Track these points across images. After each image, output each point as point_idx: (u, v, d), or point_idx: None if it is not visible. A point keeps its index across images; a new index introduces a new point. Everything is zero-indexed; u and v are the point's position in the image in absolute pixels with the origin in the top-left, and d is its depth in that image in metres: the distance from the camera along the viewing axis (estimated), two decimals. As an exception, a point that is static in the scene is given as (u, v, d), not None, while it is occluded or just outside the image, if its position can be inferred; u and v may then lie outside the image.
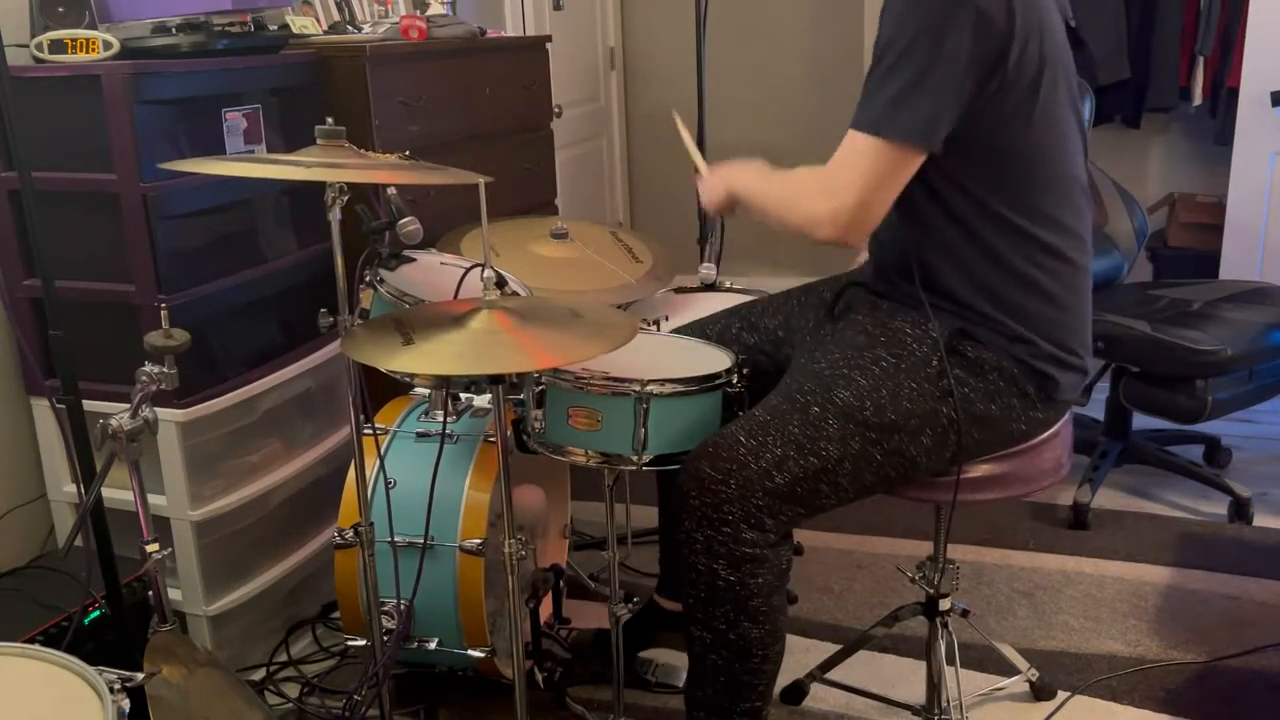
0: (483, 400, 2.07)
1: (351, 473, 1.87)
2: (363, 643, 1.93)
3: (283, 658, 2.22)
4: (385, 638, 1.83)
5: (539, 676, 1.99)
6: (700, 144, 3.10)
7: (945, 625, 1.84)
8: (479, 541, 1.87)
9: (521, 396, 1.73)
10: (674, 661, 2.11)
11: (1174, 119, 3.83)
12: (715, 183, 1.72)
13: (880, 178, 1.45)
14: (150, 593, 1.57)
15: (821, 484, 1.52)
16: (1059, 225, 1.54)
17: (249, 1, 2.15)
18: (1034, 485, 1.66)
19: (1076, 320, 1.61)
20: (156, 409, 1.55)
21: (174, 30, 2.03)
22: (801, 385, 1.58)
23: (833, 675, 2.04)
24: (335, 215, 1.58)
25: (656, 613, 2.14)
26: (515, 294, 1.89)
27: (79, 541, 1.68)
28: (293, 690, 2.12)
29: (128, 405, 1.51)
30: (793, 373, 1.67)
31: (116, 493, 1.81)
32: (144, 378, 1.54)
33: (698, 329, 1.91)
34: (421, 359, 1.41)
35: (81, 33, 1.96)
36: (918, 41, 1.40)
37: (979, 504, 1.65)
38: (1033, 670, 2.04)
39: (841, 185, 1.46)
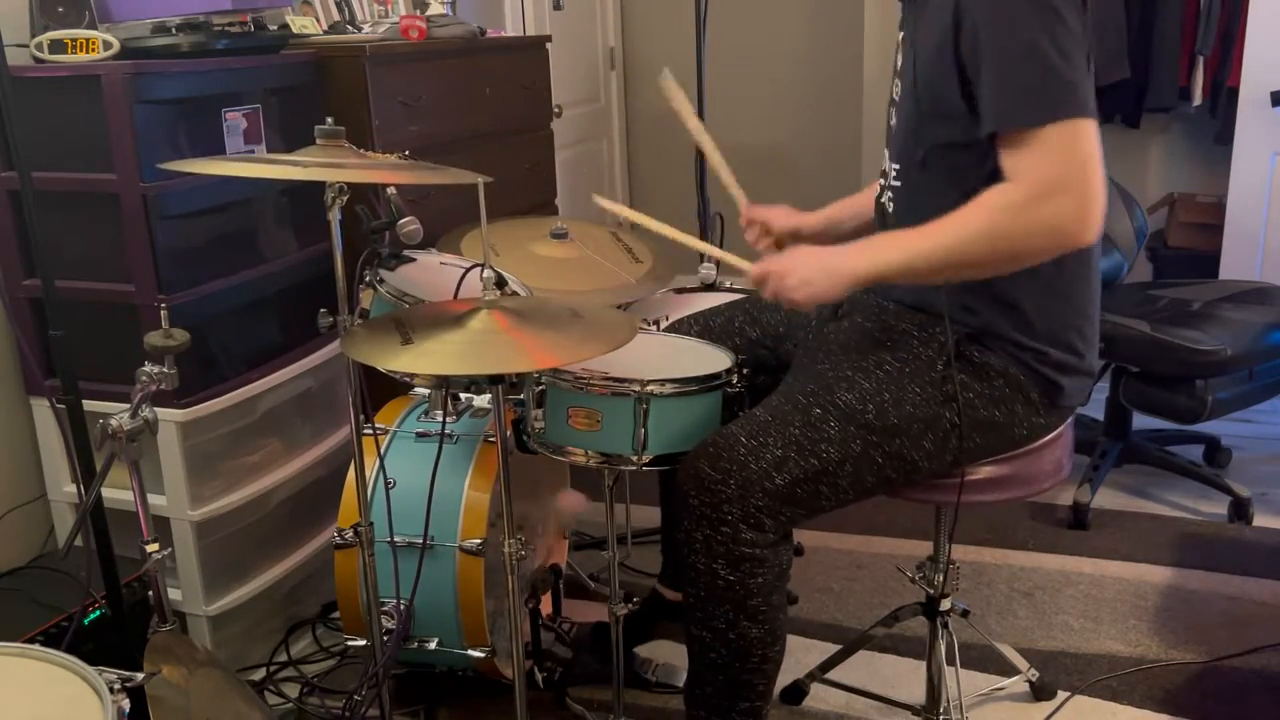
0: (482, 400, 2.07)
1: (351, 473, 1.87)
2: (363, 643, 1.93)
3: (283, 658, 2.22)
4: (385, 638, 1.84)
5: (539, 676, 1.99)
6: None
7: (945, 625, 1.84)
8: (479, 541, 1.87)
9: (521, 396, 1.73)
10: (674, 661, 2.11)
11: (1174, 119, 3.82)
12: (811, 277, 1.48)
13: (1094, 157, 1.36)
14: (150, 593, 1.57)
15: (821, 485, 1.52)
16: None
17: (249, 1, 2.15)
18: (1034, 487, 1.66)
19: (1089, 324, 1.60)
20: (156, 409, 1.55)
21: (174, 30, 2.03)
22: (803, 386, 1.58)
23: (833, 675, 2.04)
24: (335, 215, 1.58)
25: (658, 602, 2.14)
26: (515, 294, 1.89)
27: (79, 541, 1.68)
28: (293, 690, 2.12)
29: (128, 405, 1.51)
30: (795, 372, 1.66)
31: (116, 493, 1.81)
32: (144, 378, 1.54)
33: (700, 319, 1.91)
34: (421, 359, 1.41)
35: (81, 33, 1.96)
36: (1035, 17, 1.36)
37: (979, 505, 1.65)
38: (1033, 670, 2.04)
39: (1065, 178, 1.35)
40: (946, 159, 1.51)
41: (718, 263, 2.53)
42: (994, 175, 1.44)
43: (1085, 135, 1.36)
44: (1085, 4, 1.40)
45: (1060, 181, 1.35)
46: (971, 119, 1.45)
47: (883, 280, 1.47)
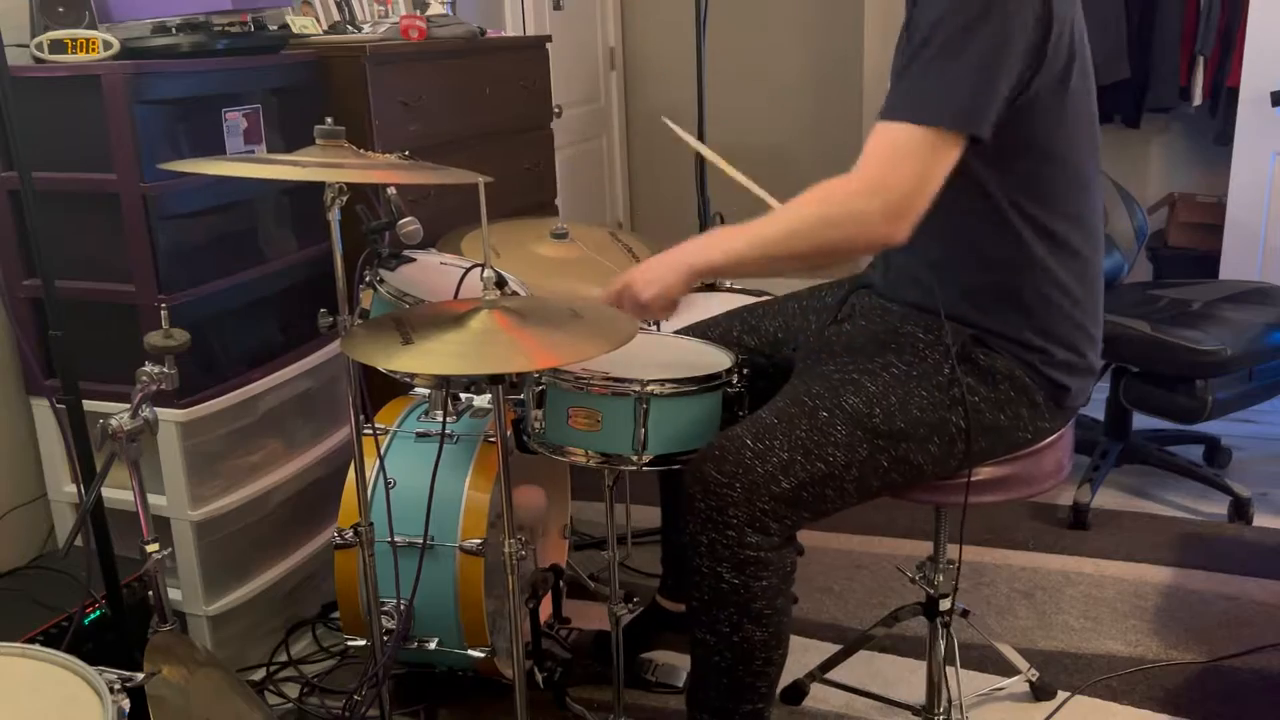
0: (483, 400, 2.07)
1: (351, 473, 1.87)
2: (363, 643, 1.93)
3: (283, 658, 2.22)
4: (385, 638, 1.84)
5: (539, 676, 1.99)
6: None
7: (945, 625, 1.84)
8: (479, 541, 1.87)
9: (521, 396, 1.73)
10: (674, 661, 2.11)
11: (1174, 119, 3.83)
12: (654, 276, 1.52)
13: (928, 167, 1.36)
14: (150, 593, 1.57)
15: (827, 489, 1.51)
16: (1080, 225, 1.53)
17: (249, 1, 2.15)
18: (1035, 488, 1.66)
19: (1092, 323, 1.60)
20: (156, 409, 1.55)
21: (174, 30, 2.03)
22: (809, 389, 1.57)
23: (833, 675, 2.04)
24: (335, 215, 1.58)
25: (658, 613, 2.14)
26: (515, 294, 1.89)
27: (79, 541, 1.68)
28: (293, 690, 2.12)
29: (128, 405, 1.51)
30: (799, 376, 1.66)
31: (116, 493, 1.81)
32: (144, 378, 1.54)
33: (698, 331, 1.91)
34: (421, 359, 1.41)
35: (81, 33, 1.96)
36: (969, 23, 1.34)
37: (980, 506, 1.65)
38: (1033, 670, 2.04)
39: (888, 181, 1.37)
40: None
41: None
42: (981, 171, 1.45)
43: (936, 148, 1.36)
44: (1051, 7, 1.37)
45: (888, 182, 1.37)
46: None
47: (724, 271, 1.52)
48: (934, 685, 1.86)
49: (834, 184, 1.42)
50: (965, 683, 2.07)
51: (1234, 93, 3.30)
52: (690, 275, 1.52)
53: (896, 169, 1.37)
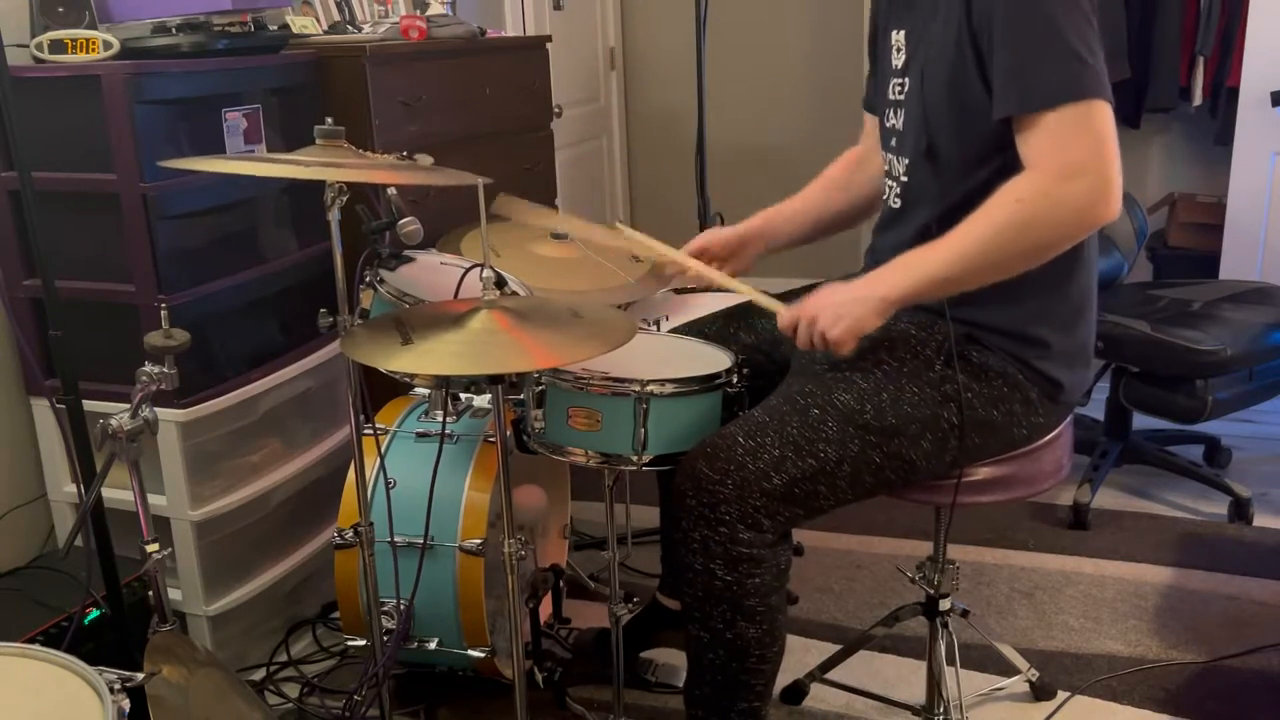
0: (483, 400, 2.07)
1: (351, 473, 1.87)
2: (363, 643, 1.93)
3: (283, 658, 2.22)
4: (385, 638, 1.84)
5: (539, 676, 1.99)
6: (700, 145, 3.08)
7: (945, 625, 1.84)
8: (479, 541, 1.87)
9: (521, 396, 1.73)
10: (674, 661, 2.11)
11: (1174, 119, 3.82)
12: (842, 310, 1.47)
13: (1110, 137, 1.39)
14: (150, 593, 1.57)
15: (819, 486, 1.51)
16: None
17: (249, 1, 2.15)
18: (1034, 487, 1.66)
19: (1087, 314, 1.60)
20: (156, 409, 1.55)
21: (174, 30, 2.03)
22: (801, 386, 1.57)
23: (833, 675, 2.04)
24: (335, 215, 1.58)
25: (659, 611, 2.14)
26: (515, 294, 1.89)
27: (79, 541, 1.68)
28: (293, 690, 2.12)
29: (128, 405, 1.51)
30: (792, 373, 1.66)
31: (116, 493, 1.81)
32: (144, 378, 1.54)
33: (695, 329, 1.91)
34: (421, 359, 1.41)
35: (81, 33, 1.96)
36: (1056, 5, 1.38)
37: (979, 505, 1.65)
38: (1033, 670, 2.04)
39: (1083, 160, 1.38)
40: (961, 149, 1.51)
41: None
42: (1009, 161, 1.45)
43: (1100, 116, 1.39)
44: None
45: (1080, 164, 1.38)
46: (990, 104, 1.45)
47: (920, 297, 1.46)
48: (934, 685, 1.86)
49: (1023, 182, 1.40)
50: (965, 683, 2.07)
51: (1234, 93, 3.31)
52: (885, 308, 1.47)
53: (1083, 146, 1.38)
